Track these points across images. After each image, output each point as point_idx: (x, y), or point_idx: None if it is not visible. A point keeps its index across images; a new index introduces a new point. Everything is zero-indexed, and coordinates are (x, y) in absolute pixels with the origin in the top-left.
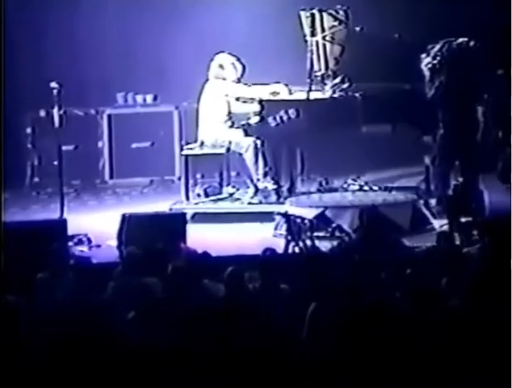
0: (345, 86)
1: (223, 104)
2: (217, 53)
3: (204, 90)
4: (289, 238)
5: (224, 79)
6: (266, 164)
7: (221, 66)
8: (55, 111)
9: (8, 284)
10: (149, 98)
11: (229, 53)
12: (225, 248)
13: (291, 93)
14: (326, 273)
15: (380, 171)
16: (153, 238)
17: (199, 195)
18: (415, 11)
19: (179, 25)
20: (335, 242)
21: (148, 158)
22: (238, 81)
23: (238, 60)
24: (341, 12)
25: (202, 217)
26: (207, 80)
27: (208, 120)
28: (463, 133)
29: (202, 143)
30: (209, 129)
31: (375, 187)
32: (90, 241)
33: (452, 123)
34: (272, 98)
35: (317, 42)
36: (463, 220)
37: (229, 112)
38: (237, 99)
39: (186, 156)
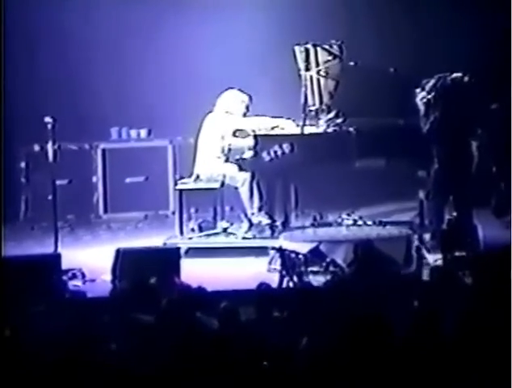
0: (339, 120)
1: (222, 138)
2: (228, 89)
3: (207, 123)
4: (283, 272)
5: (231, 114)
6: (261, 198)
7: (234, 102)
8: (49, 145)
9: (2, 317)
10: (143, 132)
11: (240, 90)
12: (219, 283)
13: (298, 125)
14: (320, 307)
15: (374, 206)
16: (147, 272)
17: (193, 229)
18: (410, 46)
19: (173, 60)
20: (329, 277)
21: (142, 192)
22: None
23: (250, 98)
24: (335, 47)
25: (196, 252)
26: (209, 112)
27: (206, 153)
28: (457, 168)
29: (197, 177)
30: (206, 163)
31: (370, 222)
32: (84, 275)
33: (446, 157)
34: (270, 132)
35: (312, 76)
36: (457, 254)
37: (225, 147)
38: (234, 134)
39: (181, 190)
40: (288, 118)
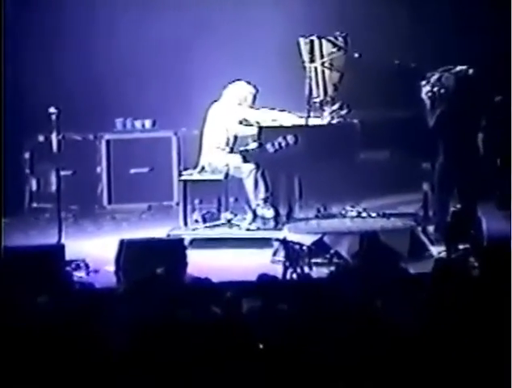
0: (343, 112)
1: (226, 130)
2: (235, 81)
3: (212, 113)
4: (287, 264)
5: (239, 105)
6: (266, 190)
7: (241, 94)
8: (53, 136)
9: (5, 308)
10: (148, 123)
11: (248, 82)
12: (223, 274)
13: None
14: (324, 299)
15: (379, 198)
16: (150, 263)
17: (197, 221)
18: (414, 38)
19: (178, 51)
20: (333, 269)
21: (146, 183)
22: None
23: (256, 90)
24: (340, 38)
25: (200, 243)
26: (214, 101)
27: (211, 144)
28: (461, 160)
29: (202, 168)
30: (210, 154)
31: (374, 214)
32: (87, 266)
33: (451, 150)
34: (274, 124)
35: (316, 68)
36: (461, 247)
37: (230, 138)
38: (240, 123)
39: (185, 181)
40: (289, 111)
